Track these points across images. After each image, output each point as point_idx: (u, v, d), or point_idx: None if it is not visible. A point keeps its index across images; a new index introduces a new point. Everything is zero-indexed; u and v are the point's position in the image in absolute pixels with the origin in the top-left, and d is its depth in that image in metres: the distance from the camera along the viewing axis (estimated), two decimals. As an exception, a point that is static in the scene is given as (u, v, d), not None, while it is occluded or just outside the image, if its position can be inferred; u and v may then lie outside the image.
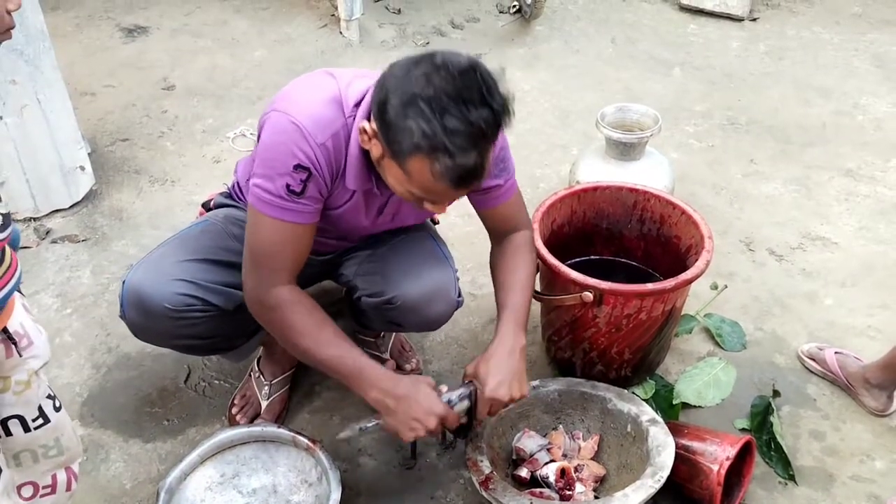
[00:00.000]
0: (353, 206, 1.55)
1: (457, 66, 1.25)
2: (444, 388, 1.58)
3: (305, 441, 1.69)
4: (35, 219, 2.62)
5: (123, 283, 1.60)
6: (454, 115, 1.22)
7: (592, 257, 2.15)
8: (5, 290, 1.14)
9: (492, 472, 1.62)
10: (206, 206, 1.88)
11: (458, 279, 1.73)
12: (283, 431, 1.72)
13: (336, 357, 1.50)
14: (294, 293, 1.52)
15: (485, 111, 1.24)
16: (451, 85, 1.23)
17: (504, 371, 1.56)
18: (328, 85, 1.46)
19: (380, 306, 1.68)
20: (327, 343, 1.50)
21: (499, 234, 1.73)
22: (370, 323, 1.86)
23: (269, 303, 1.50)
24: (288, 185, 1.42)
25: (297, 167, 1.40)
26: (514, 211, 1.70)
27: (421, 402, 1.50)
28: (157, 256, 1.63)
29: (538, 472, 1.73)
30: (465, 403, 1.59)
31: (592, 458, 1.79)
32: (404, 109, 1.25)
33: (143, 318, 1.58)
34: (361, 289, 1.72)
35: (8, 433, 1.27)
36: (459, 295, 1.73)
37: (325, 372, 1.56)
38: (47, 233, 2.57)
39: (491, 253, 1.76)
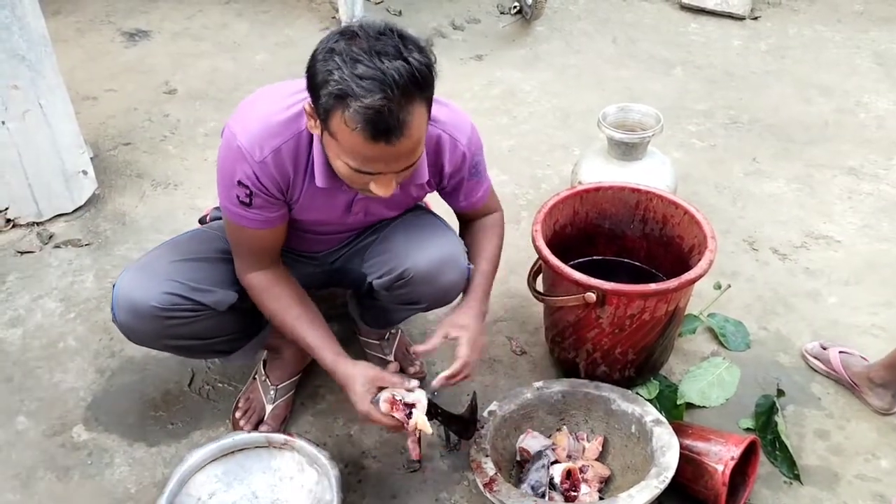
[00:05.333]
0: (312, 203, 1.59)
1: (375, 28, 1.29)
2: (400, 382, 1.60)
3: (311, 447, 1.69)
4: (38, 223, 2.62)
5: (113, 286, 1.63)
6: (365, 64, 1.24)
7: (595, 258, 2.15)
8: None
9: (496, 473, 1.62)
10: (203, 222, 1.91)
11: (465, 249, 1.75)
12: (279, 437, 1.73)
13: (299, 339, 1.65)
14: (265, 279, 1.65)
15: (398, 62, 1.25)
16: (366, 42, 1.26)
17: (476, 330, 1.66)
18: (285, 98, 1.49)
19: (392, 285, 1.70)
20: (291, 326, 1.65)
21: (469, 219, 1.83)
22: (383, 316, 1.89)
23: (246, 285, 1.67)
24: (237, 196, 1.52)
25: (238, 183, 1.50)
26: (486, 205, 1.79)
27: (351, 392, 1.58)
28: (147, 260, 1.67)
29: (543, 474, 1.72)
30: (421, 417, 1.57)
31: (597, 459, 1.79)
32: (324, 65, 1.28)
33: (133, 319, 1.60)
34: (371, 272, 1.75)
35: None
36: (469, 263, 1.76)
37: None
38: (50, 237, 2.58)
39: (460, 231, 1.84)
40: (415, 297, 1.73)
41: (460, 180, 1.67)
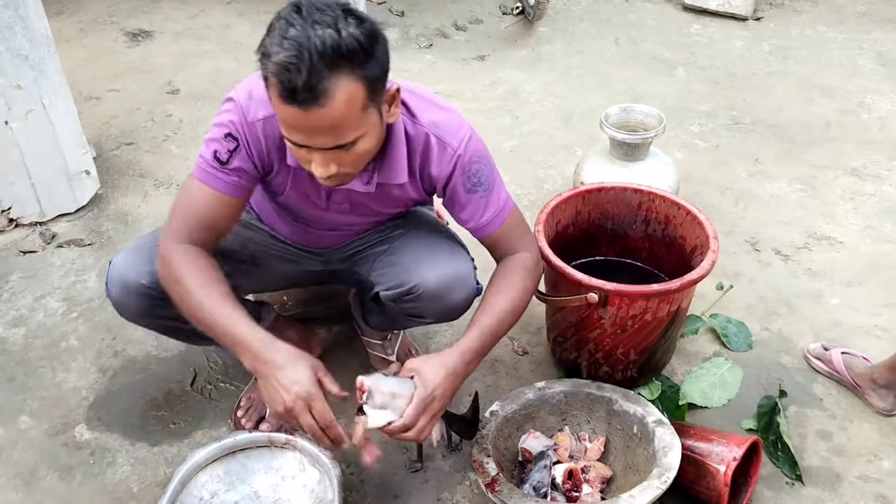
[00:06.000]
0: (293, 186, 1.59)
1: (324, 1, 1.28)
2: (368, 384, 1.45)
3: (312, 447, 1.69)
4: (41, 223, 2.63)
5: (109, 263, 1.66)
6: (296, 29, 1.24)
7: (597, 258, 2.15)
8: None
9: (498, 474, 1.62)
10: None
11: (475, 268, 1.72)
12: (281, 436, 1.73)
13: (219, 318, 1.45)
14: (194, 251, 1.51)
15: (328, 30, 1.23)
16: (308, 9, 1.26)
17: (435, 390, 1.48)
18: None
19: (400, 298, 1.69)
20: (213, 303, 1.46)
21: (496, 256, 1.69)
22: (385, 321, 1.88)
23: (167, 256, 1.50)
24: (215, 152, 1.50)
25: (227, 136, 1.49)
26: (507, 236, 1.65)
27: (288, 374, 1.39)
28: (142, 240, 1.69)
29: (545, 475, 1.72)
30: (385, 416, 1.45)
31: (599, 460, 1.79)
32: (268, 30, 1.28)
33: (123, 295, 1.62)
34: (380, 283, 1.74)
35: None
36: (478, 283, 1.72)
37: (211, 335, 1.49)
38: (53, 237, 2.58)
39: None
40: (421, 311, 1.72)
41: (455, 190, 1.58)
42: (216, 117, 1.52)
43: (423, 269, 1.65)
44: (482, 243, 1.68)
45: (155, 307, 1.62)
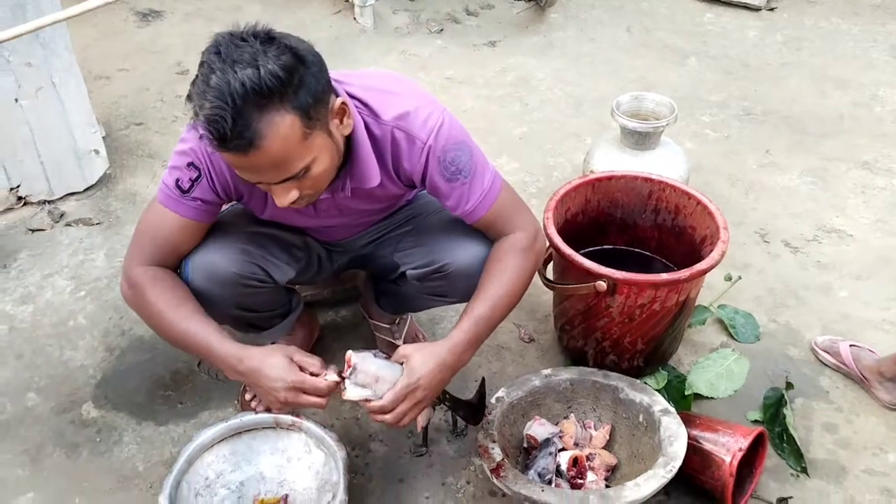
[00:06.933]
0: (273, 204, 1.55)
1: (240, 35, 1.24)
2: (333, 367, 1.48)
3: (318, 429, 1.70)
4: (49, 202, 2.63)
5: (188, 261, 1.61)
6: (217, 75, 1.21)
7: (606, 247, 2.14)
8: None
9: (503, 459, 1.62)
10: None
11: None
12: (287, 418, 1.73)
13: (190, 333, 1.49)
14: (155, 271, 1.54)
15: (248, 70, 1.20)
16: (227, 48, 1.23)
17: (419, 381, 1.47)
18: None
19: (427, 276, 1.69)
20: (182, 319, 1.50)
21: (491, 238, 1.64)
22: (401, 303, 1.89)
23: (132, 280, 1.53)
24: (177, 180, 1.49)
25: (189, 164, 1.48)
26: (498, 218, 1.59)
27: (268, 374, 1.44)
28: (220, 229, 1.64)
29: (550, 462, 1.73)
30: (365, 391, 1.46)
31: (604, 448, 1.79)
32: (196, 77, 1.26)
33: (209, 284, 1.58)
34: (406, 263, 1.74)
35: None
36: None
37: (185, 350, 1.55)
38: (61, 216, 2.58)
39: None
40: (447, 290, 1.71)
41: (433, 181, 1.52)
42: (178, 144, 1.50)
43: (452, 247, 1.65)
44: (475, 227, 1.63)
45: (240, 296, 1.62)
